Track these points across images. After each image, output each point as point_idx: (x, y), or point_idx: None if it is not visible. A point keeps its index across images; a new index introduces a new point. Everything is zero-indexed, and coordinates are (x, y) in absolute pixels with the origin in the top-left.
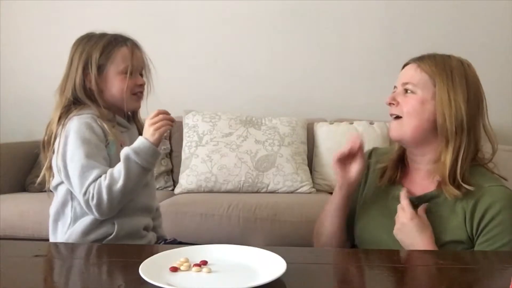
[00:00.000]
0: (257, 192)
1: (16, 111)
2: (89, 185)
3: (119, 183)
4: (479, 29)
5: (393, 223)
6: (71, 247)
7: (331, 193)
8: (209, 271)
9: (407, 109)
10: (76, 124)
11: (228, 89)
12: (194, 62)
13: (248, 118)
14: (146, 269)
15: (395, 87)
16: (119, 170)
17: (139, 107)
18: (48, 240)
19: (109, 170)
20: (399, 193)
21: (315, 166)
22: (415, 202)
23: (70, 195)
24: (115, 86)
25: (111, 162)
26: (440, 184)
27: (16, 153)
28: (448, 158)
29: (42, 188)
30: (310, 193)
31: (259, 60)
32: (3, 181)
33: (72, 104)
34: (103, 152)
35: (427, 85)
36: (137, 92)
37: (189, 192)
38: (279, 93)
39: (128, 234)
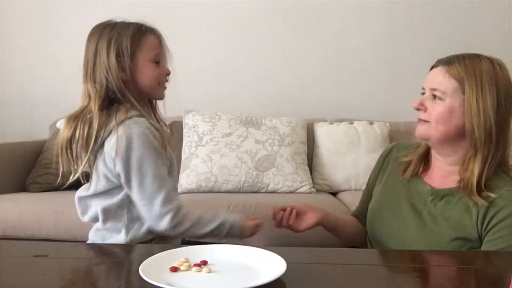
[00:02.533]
0: (257, 192)
1: (16, 111)
2: (169, 200)
3: (202, 231)
4: (479, 29)
5: (409, 215)
6: (71, 247)
7: (331, 193)
8: (209, 271)
9: (435, 116)
10: (138, 130)
11: (228, 89)
12: (194, 62)
13: (248, 118)
14: (146, 269)
15: (423, 88)
16: (209, 220)
17: (164, 96)
18: (48, 240)
19: (201, 213)
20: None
21: (315, 166)
22: (431, 195)
23: (128, 198)
24: (145, 74)
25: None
26: (460, 185)
27: (16, 153)
28: (476, 167)
29: (42, 188)
30: (310, 193)
31: (259, 60)
32: (3, 181)
33: (108, 97)
34: (164, 158)
35: (456, 92)
36: (163, 81)
37: (189, 192)
38: (279, 93)
39: None
